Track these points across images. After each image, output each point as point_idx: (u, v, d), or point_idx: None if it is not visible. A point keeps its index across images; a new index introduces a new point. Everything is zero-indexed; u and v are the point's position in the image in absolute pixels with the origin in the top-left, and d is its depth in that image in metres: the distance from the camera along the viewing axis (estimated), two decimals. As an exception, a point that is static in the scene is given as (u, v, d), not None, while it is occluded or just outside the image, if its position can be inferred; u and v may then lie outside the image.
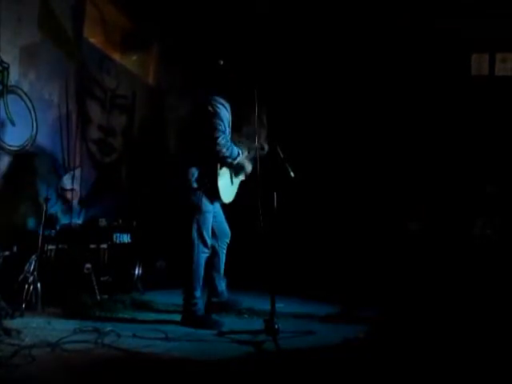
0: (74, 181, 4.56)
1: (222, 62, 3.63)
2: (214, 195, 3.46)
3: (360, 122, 5.88)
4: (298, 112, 5.94)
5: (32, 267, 3.47)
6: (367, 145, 5.87)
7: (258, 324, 3.26)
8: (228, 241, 3.75)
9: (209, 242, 3.46)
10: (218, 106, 3.40)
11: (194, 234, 3.40)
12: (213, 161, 3.42)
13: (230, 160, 3.46)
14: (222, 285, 3.78)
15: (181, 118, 5.79)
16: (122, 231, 4.40)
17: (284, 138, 3.64)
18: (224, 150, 3.37)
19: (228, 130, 3.48)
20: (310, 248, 5.52)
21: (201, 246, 3.42)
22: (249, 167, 3.67)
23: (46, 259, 3.71)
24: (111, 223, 4.36)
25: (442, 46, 5.82)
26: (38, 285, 3.40)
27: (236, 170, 3.67)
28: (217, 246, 3.64)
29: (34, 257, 3.51)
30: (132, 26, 5.36)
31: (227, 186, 3.59)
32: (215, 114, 3.37)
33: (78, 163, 4.64)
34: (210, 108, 3.38)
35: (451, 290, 4.39)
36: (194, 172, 3.40)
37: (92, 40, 4.84)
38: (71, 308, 3.48)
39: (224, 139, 3.36)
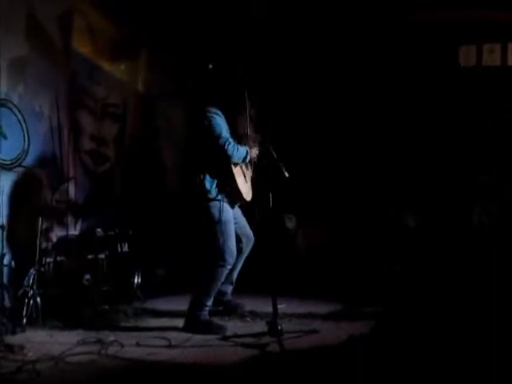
0: (69, 192, 4.53)
1: (211, 66, 3.64)
2: (236, 197, 3.48)
3: (349, 116, 5.89)
4: (288, 111, 5.95)
5: (31, 281, 3.45)
6: (358, 139, 5.88)
7: (260, 326, 3.26)
8: (252, 245, 3.71)
9: (234, 252, 3.42)
10: (213, 115, 3.42)
11: (220, 247, 3.35)
12: (226, 165, 3.43)
13: (241, 162, 3.53)
14: (228, 287, 3.77)
15: (173, 126, 5.80)
16: (120, 240, 4.38)
17: (278, 137, 3.66)
18: (234, 156, 3.41)
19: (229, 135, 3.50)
20: (307, 246, 5.51)
21: (227, 258, 3.37)
22: (252, 153, 3.64)
23: (45, 272, 3.69)
24: (108, 233, 4.34)
25: (431, 39, 5.86)
26: (38, 299, 3.38)
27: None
28: (241, 248, 3.60)
29: (32, 270, 3.49)
30: (119, 34, 5.34)
31: (244, 185, 3.60)
32: (214, 125, 3.40)
33: (71, 174, 4.61)
34: (207, 121, 3.41)
35: (453, 284, 4.39)
36: (210, 182, 3.39)
37: (81, 50, 4.81)
38: (73, 320, 3.46)
39: (230, 145, 3.39)
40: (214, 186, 3.39)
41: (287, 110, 5.95)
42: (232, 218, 3.48)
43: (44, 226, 3.77)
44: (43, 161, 4.27)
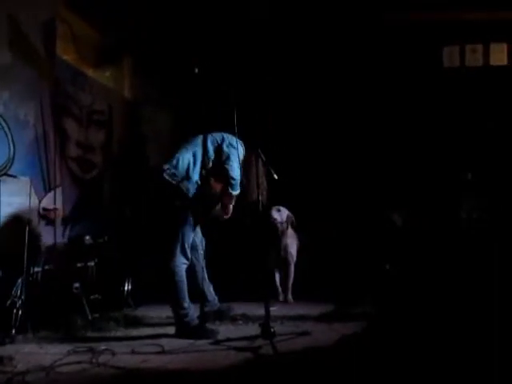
0: (56, 200, 4.49)
1: (197, 70, 3.64)
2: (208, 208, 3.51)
3: (342, 117, 5.94)
4: (286, 111, 6.00)
5: (19, 291, 3.41)
6: (345, 141, 5.93)
7: (253, 329, 3.26)
8: (204, 248, 3.75)
9: (189, 254, 3.48)
10: (233, 145, 3.47)
11: (177, 246, 3.40)
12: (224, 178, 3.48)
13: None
14: (211, 292, 3.78)
15: (160, 131, 5.79)
16: (109, 247, 4.34)
17: (275, 137, 3.65)
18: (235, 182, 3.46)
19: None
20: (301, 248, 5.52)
21: (181, 258, 3.43)
22: None
23: (33, 282, 3.64)
24: (97, 240, 4.30)
25: (415, 41, 5.95)
26: (27, 308, 3.34)
27: None
28: (196, 255, 3.63)
29: (20, 280, 3.45)
30: (104, 41, 5.32)
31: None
32: (231, 152, 3.46)
33: (58, 182, 4.58)
34: (226, 150, 3.46)
35: (444, 282, 4.42)
36: (192, 187, 3.41)
37: (65, 57, 4.78)
38: (63, 330, 3.42)
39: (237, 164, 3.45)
40: (195, 188, 3.41)
41: (285, 111, 5.99)
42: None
43: (31, 235, 3.72)
44: (29, 169, 4.23)
